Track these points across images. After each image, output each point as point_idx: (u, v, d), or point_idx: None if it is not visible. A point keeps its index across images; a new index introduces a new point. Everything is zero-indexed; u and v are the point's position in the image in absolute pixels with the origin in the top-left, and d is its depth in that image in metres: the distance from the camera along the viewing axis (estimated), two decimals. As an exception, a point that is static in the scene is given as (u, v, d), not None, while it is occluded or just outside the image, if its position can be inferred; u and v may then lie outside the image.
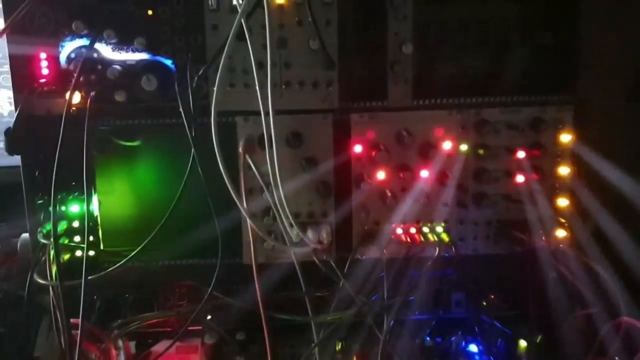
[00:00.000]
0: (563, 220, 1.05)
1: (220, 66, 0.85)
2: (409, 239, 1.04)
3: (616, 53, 1.04)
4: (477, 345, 1.08)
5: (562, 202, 1.05)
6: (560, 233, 1.05)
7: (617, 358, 0.98)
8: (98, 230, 1.03)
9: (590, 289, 1.02)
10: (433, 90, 1.03)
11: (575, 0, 1.01)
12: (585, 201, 1.02)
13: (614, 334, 0.98)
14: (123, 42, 0.95)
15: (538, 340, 1.06)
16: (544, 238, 1.05)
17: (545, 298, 1.07)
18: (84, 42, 0.94)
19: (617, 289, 0.97)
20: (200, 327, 1.07)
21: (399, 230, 1.05)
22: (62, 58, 0.94)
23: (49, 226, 0.94)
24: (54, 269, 0.89)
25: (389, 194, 1.03)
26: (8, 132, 0.94)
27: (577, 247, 1.03)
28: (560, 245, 1.05)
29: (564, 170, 1.05)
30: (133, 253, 0.94)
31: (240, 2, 0.87)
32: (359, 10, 0.99)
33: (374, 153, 1.02)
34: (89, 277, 0.87)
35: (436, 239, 1.04)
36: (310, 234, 0.96)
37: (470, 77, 1.03)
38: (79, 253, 0.99)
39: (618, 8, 1.03)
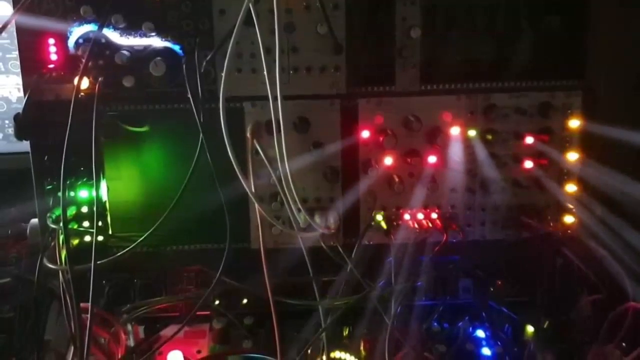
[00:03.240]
0: (571, 206, 1.05)
1: (228, 51, 0.85)
2: (416, 225, 1.04)
3: (626, 38, 1.04)
4: (485, 331, 1.08)
5: (571, 187, 1.05)
6: (568, 219, 1.05)
7: (624, 344, 0.98)
8: (107, 216, 1.03)
9: (598, 275, 1.02)
10: (441, 75, 1.02)
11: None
12: (594, 186, 1.01)
13: (621, 320, 0.98)
14: (131, 27, 0.95)
15: (545, 326, 1.06)
16: (552, 224, 1.05)
17: (553, 284, 1.07)
18: (92, 27, 0.93)
19: (625, 275, 0.97)
20: (208, 312, 1.08)
21: (407, 216, 1.05)
22: (71, 43, 0.94)
23: (58, 211, 0.94)
24: (64, 253, 0.90)
25: (396, 179, 1.02)
26: (17, 118, 0.94)
27: (585, 233, 1.03)
28: (568, 231, 1.05)
29: (572, 156, 1.04)
30: (142, 238, 0.94)
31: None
32: (367, -5, 0.99)
33: (381, 138, 1.01)
34: (98, 262, 0.87)
35: (443, 224, 1.04)
36: (317, 219, 0.97)
37: (479, 62, 1.02)
38: (87, 238, 0.99)
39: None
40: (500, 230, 1.08)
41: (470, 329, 1.08)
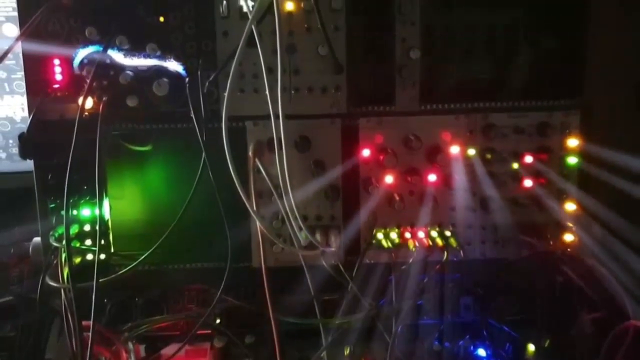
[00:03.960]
0: (570, 224, 1.05)
1: (231, 72, 0.86)
2: (416, 243, 1.04)
3: (624, 58, 1.05)
4: (486, 350, 1.07)
5: (570, 206, 1.05)
6: (568, 237, 1.05)
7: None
8: (109, 234, 1.04)
9: (598, 293, 1.02)
10: (440, 94, 1.03)
11: (583, 5, 1.02)
12: (593, 205, 1.02)
13: (622, 338, 0.98)
14: (135, 48, 0.96)
15: (546, 344, 1.06)
16: (551, 242, 1.05)
17: (553, 302, 1.07)
18: (97, 48, 0.95)
19: (625, 293, 0.97)
20: (209, 331, 1.08)
21: (407, 235, 1.05)
22: (75, 64, 0.96)
23: (61, 229, 0.95)
24: (66, 271, 0.90)
25: (396, 197, 1.03)
26: (22, 137, 0.95)
27: (584, 251, 1.03)
28: (568, 249, 1.05)
29: (571, 174, 1.05)
30: (143, 257, 0.95)
31: (251, 9, 0.89)
32: (367, 17, 1.00)
33: (381, 157, 1.02)
34: (100, 280, 0.87)
35: (444, 243, 1.04)
36: (318, 237, 0.97)
37: (478, 82, 1.04)
38: (90, 256, 1.00)
39: (625, 13, 1.04)
40: (500, 248, 1.08)
41: (472, 347, 1.08)
